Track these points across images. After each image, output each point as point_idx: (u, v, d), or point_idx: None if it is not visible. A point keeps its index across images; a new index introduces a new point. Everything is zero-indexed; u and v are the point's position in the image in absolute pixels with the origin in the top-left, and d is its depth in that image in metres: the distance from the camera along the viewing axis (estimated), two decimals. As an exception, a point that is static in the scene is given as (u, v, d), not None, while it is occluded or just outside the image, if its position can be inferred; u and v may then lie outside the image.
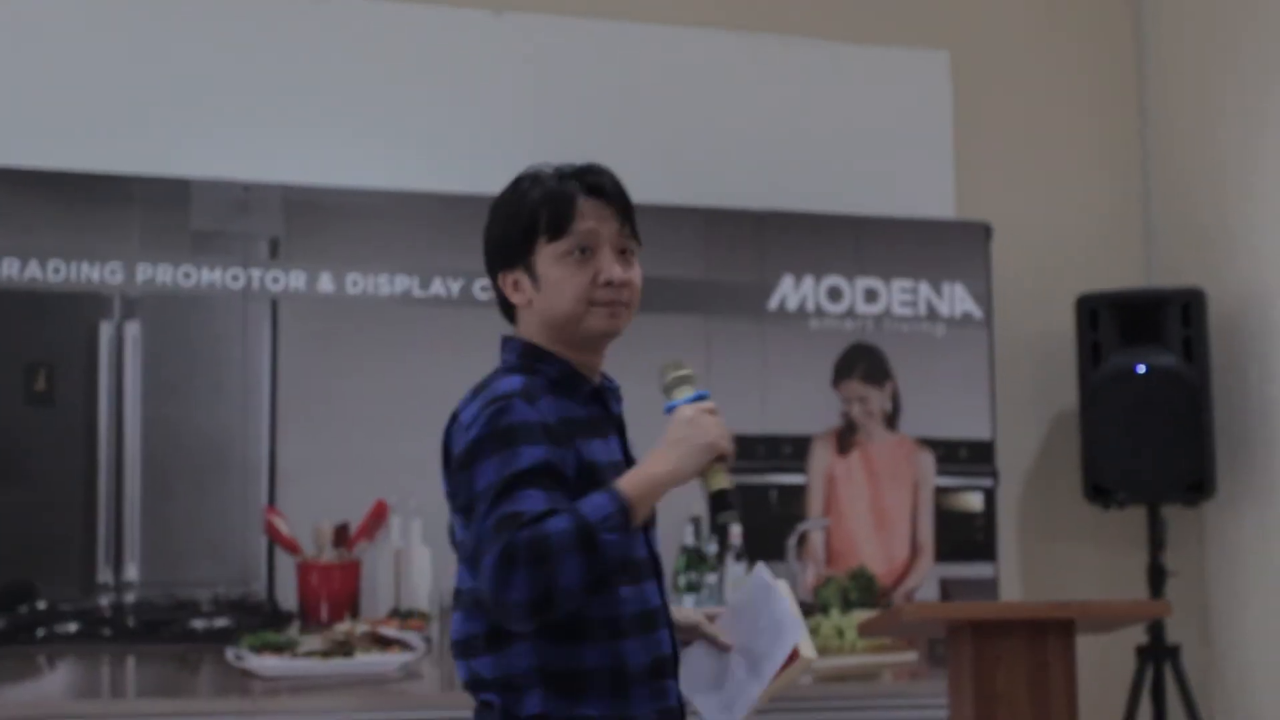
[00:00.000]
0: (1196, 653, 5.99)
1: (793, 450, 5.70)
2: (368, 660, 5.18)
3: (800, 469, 5.71)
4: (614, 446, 2.78)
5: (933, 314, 5.89)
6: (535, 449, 2.58)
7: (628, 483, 2.61)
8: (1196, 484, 5.87)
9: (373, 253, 5.36)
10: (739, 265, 5.74)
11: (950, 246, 5.95)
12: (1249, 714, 5.95)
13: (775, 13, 6.13)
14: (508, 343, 2.82)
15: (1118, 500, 5.89)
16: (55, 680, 5.01)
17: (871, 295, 5.85)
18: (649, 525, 2.74)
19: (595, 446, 2.71)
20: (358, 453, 5.24)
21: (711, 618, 2.91)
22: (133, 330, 5.18)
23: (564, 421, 2.67)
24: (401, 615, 5.26)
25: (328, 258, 5.32)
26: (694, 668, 2.86)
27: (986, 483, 5.87)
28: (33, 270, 5.12)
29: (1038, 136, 6.36)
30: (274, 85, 5.61)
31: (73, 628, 5.00)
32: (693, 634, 2.89)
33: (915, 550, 5.77)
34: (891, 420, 5.81)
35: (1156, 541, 5.88)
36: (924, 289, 5.89)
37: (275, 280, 5.29)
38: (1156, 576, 5.85)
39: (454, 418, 2.72)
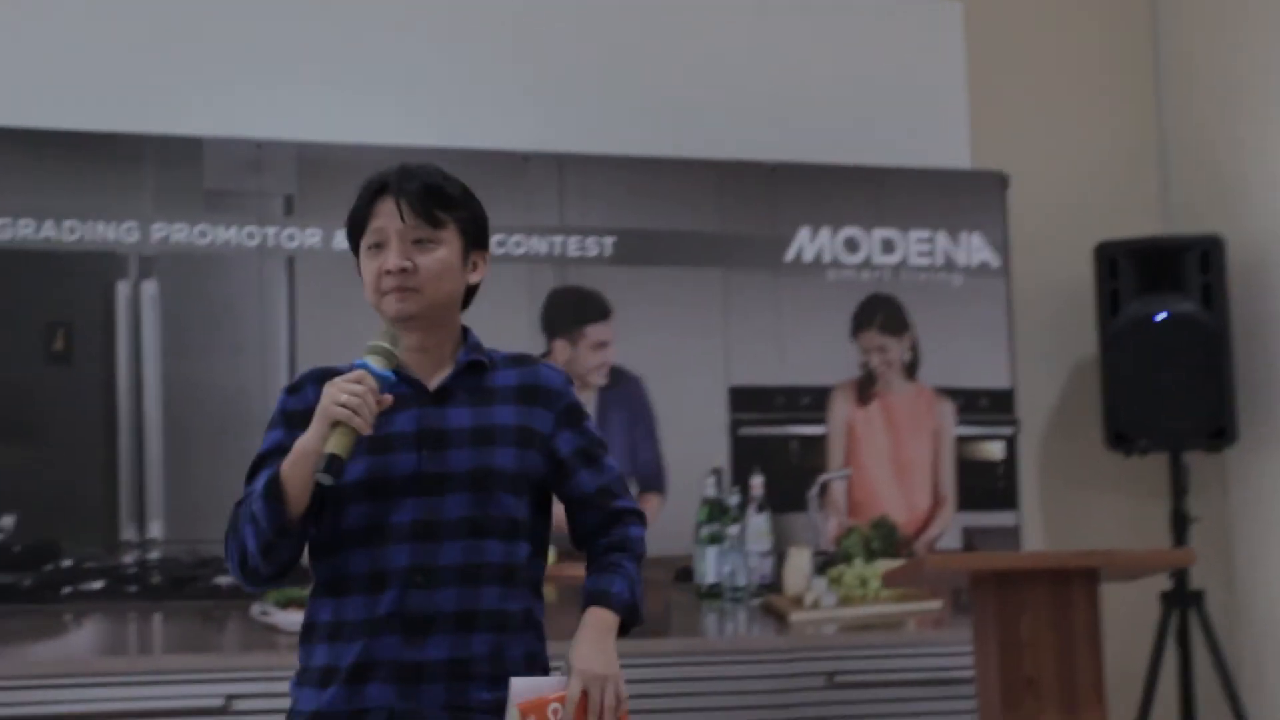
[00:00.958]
0: (1221, 598, 5.98)
1: (812, 401, 5.69)
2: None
3: (820, 420, 5.70)
4: (412, 417, 2.93)
5: (950, 264, 5.87)
6: (272, 434, 2.98)
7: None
8: (1218, 430, 5.86)
9: (388, 209, 5.35)
10: (755, 218, 5.72)
11: (967, 196, 5.93)
12: (1275, 657, 5.95)
13: (789, -37, 6.10)
14: None
15: (1139, 447, 5.89)
16: (82, 637, 5.02)
17: (889, 246, 5.83)
18: (431, 492, 2.89)
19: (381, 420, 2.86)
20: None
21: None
22: (149, 289, 5.17)
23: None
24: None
25: (342, 214, 5.24)
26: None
27: (1007, 431, 5.86)
28: (48, 230, 5.10)
29: (1053, 84, 6.33)
30: (286, 43, 5.58)
31: (98, 585, 5.00)
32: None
33: (937, 499, 5.76)
34: (911, 370, 5.80)
35: (1179, 488, 5.87)
36: (941, 239, 5.87)
37: (290, 238, 5.29)
38: (1179, 523, 5.84)
39: None
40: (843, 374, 5.74)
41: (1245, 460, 6.05)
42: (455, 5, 5.76)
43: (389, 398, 2.82)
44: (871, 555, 5.60)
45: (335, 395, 2.79)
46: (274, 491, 2.81)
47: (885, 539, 5.64)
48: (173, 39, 5.48)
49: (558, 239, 5.51)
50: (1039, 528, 6.05)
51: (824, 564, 5.60)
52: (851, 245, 5.79)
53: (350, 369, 2.87)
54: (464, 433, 2.93)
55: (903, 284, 5.83)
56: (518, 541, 2.93)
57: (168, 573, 5.06)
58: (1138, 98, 6.43)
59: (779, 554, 5.57)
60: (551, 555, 5.38)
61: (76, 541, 5.01)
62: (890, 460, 5.74)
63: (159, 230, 5.19)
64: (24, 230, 5.09)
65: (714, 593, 5.49)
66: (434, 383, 2.98)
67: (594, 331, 5.51)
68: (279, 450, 2.89)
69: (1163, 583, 5.80)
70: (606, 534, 3.04)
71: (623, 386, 5.51)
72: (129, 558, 5.04)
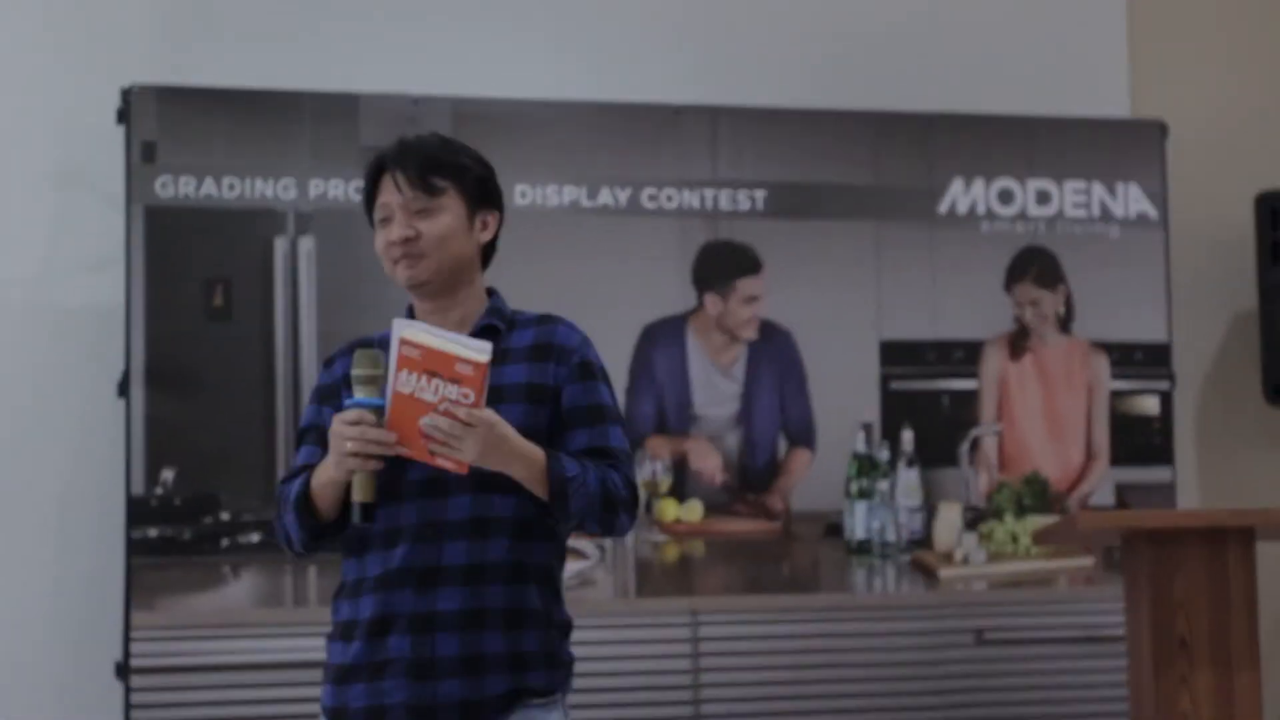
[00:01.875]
0: (1381, 557, 5.88)
1: (964, 355, 5.66)
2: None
3: (972, 374, 5.67)
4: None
5: (1106, 215, 5.80)
6: (308, 409, 3.11)
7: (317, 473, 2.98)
8: (1380, 384, 5.75)
9: (541, 163, 5.39)
10: (908, 170, 5.69)
11: (1124, 146, 5.85)
12: None
13: (944, -89, 6.04)
14: None
15: (1299, 402, 5.80)
16: (240, 588, 5.13)
17: (1044, 197, 5.77)
18: (444, 493, 2.96)
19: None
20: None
21: None
22: (306, 245, 5.25)
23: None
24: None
25: (500, 167, 5.32)
26: None
27: (1163, 385, 5.79)
28: (209, 188, 5.20)
29: (1214, 30, 6.22)
30: (441, -2, 5.63)
31: (255, 538, 5.11)
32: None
33: (1090, 454, 5.71)
34: (1065, 324, 5.75)
35: (1340, 444, 5.79)
36: (1098, 190, 5.80)
37: (445, 192, 5.33)
38: (1340, 480, 5.76)
39: None
40: (995, 328, 5.70)
41: None
42: (608, -41, 5.78)
43: (394, 436, 2.84)
44: (1022, 511, 5.57)
45: (340, 446, 2.86)
46: (305, 506, 2.96)
47: (1037, 495, 5.61)
48: (329, -4, 5.56)
49: (709, 192, 5.51)
50: (1194, 484, 5.97)
51: (974, 520, 5.58)
52: (1006, 197, 5.74)
53: (384, 338, 2.93)
54: None
55: (1058, 236, 5.77)
56: (525, 496, 2.95)
57: (323, 526, 5.15)
58: (1302, 44, 6.31)
59: (929, 509, 5.56)
60: (699, 510, 5.44)
61: (235, 495, 5.11)
62: (1043, 415, 5.70)
63: (316, 187, 5.27)
64: (185, 188, 5.18)
65: (863, 548, 5.49)
66: None
67: (745, 285, 5.51)
68: (313, 429, 3.07)
69: (1322, 540, 5.72)
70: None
71: (773, 341, 5.51)
72: (286, 511, 5.14)
